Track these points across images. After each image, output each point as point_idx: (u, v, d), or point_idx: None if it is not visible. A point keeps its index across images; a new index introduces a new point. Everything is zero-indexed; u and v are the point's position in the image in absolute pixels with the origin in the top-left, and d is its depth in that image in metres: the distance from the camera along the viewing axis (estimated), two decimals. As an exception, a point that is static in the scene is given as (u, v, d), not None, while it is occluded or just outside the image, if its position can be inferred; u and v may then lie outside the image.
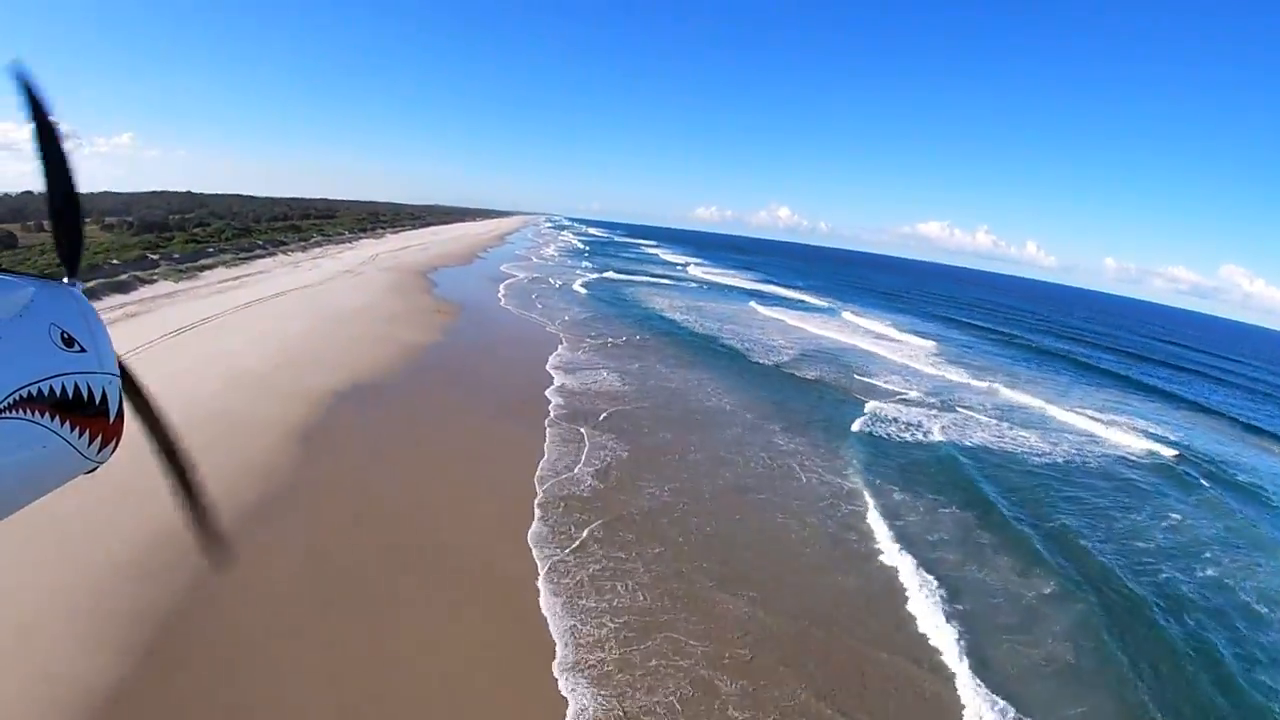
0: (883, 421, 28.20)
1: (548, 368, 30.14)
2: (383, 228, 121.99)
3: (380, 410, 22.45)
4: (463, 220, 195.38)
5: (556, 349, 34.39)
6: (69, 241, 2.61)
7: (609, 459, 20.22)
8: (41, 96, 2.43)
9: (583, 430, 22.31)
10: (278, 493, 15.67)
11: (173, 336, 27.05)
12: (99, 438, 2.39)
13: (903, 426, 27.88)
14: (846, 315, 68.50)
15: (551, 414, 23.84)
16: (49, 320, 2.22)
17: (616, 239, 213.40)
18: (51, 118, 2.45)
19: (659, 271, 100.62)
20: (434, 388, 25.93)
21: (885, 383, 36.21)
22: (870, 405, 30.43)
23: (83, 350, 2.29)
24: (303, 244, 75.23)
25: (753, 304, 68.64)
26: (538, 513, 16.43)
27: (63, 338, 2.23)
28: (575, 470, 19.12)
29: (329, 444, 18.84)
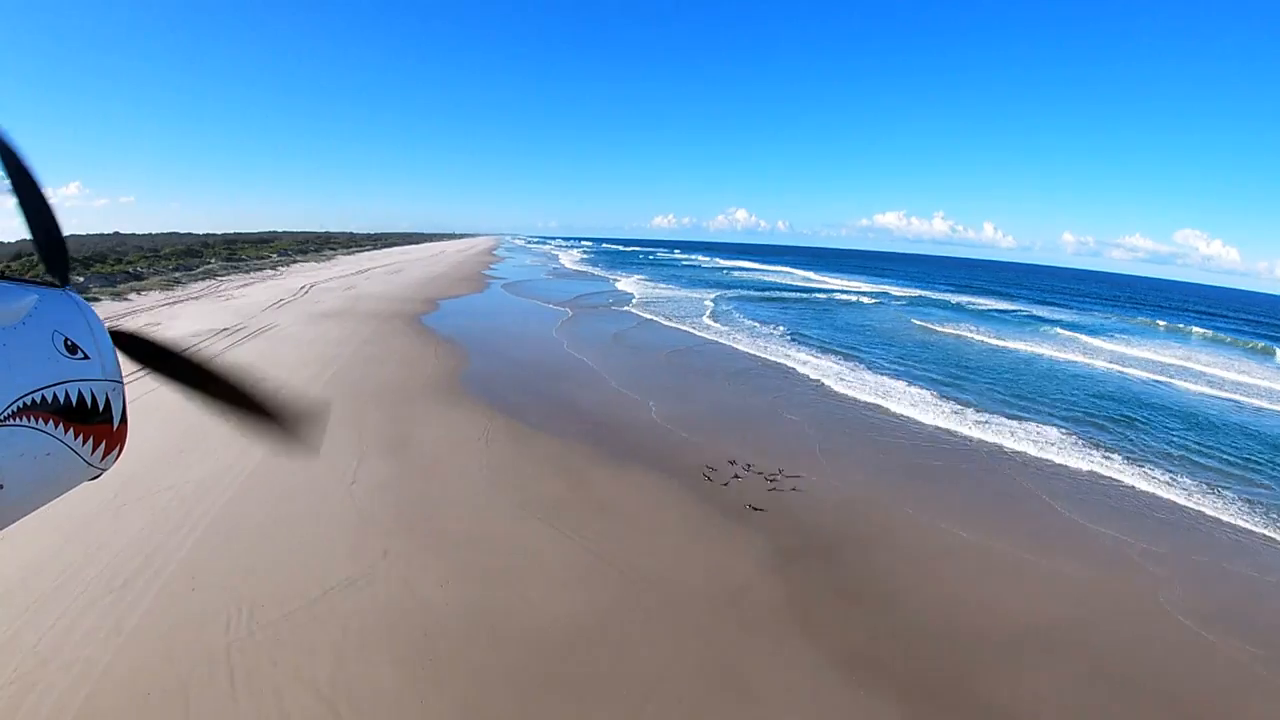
0: None
1: None
2: (333, 249, 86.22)
3: None
4: (424, 243, 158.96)
5: None
6: (52, 250, 2.35)
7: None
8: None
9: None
10: None
11: None
12: (103, 444, 2.21)
13: None
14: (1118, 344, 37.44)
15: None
16: (52, 327, 2.07)
17: (607, 248, 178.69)
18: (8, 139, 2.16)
19: (755, 280, 68.00)
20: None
21: None
22: None
23: (86, 357, 2.14)
24: (176, 278, 40.06)
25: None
26: None
27: (66, 344, 2.08)
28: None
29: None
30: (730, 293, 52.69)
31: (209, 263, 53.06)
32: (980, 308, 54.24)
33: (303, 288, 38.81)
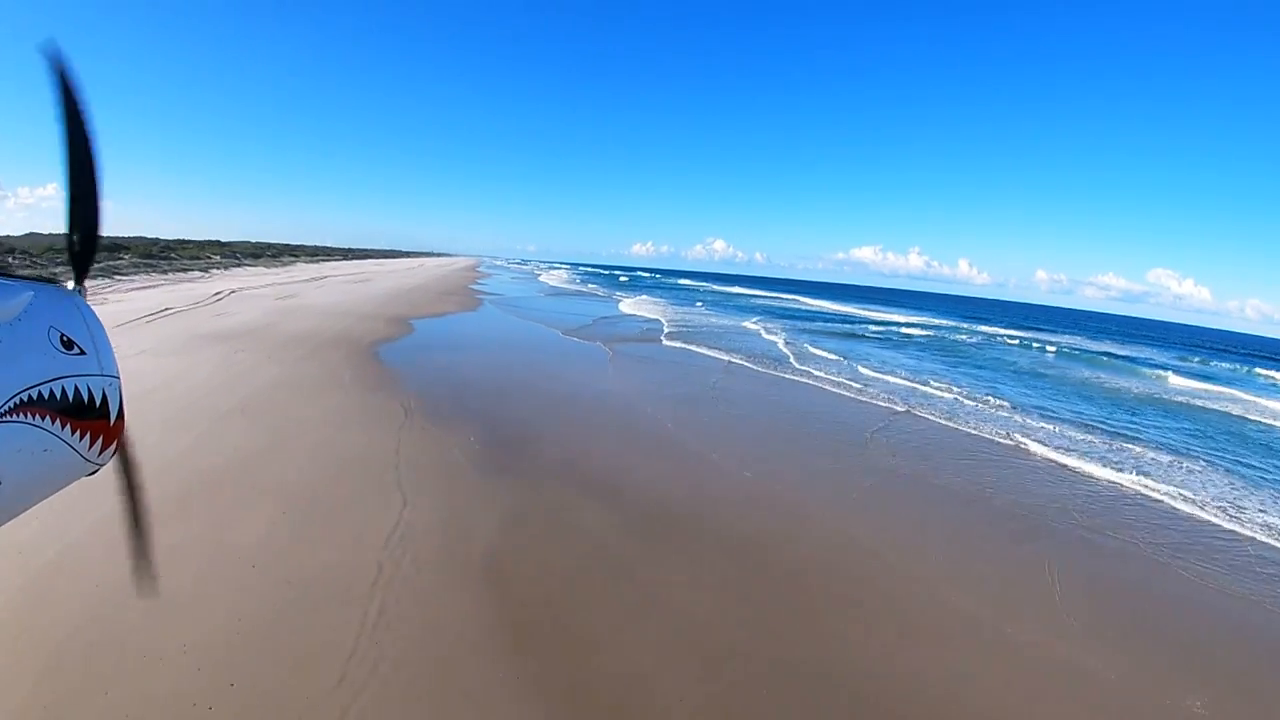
0: None
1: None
2: (294, 256, 73.67)
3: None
4: (398, 259, 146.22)
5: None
6: (84, 249, 2.24)
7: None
8: (75, 83, 2.02)
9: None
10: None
11: None
12: (99, 440, 2.13)
13: None
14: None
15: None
16: (48, 323, 1.98)
17: (591, 272, 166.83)
18: (84, 110, 2.04)
19: (786, 308, 57.03)
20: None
21: None
22: None
23: (82, 353, 2.06)
24: (55, 274, 27.53)
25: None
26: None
27: (62, 340, 2.00)
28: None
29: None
30: (778, 323, 41.78)
31: (120, 258, 40.54)
32: (1081, 348, 44.07)
33: (217, 293, 26.71)
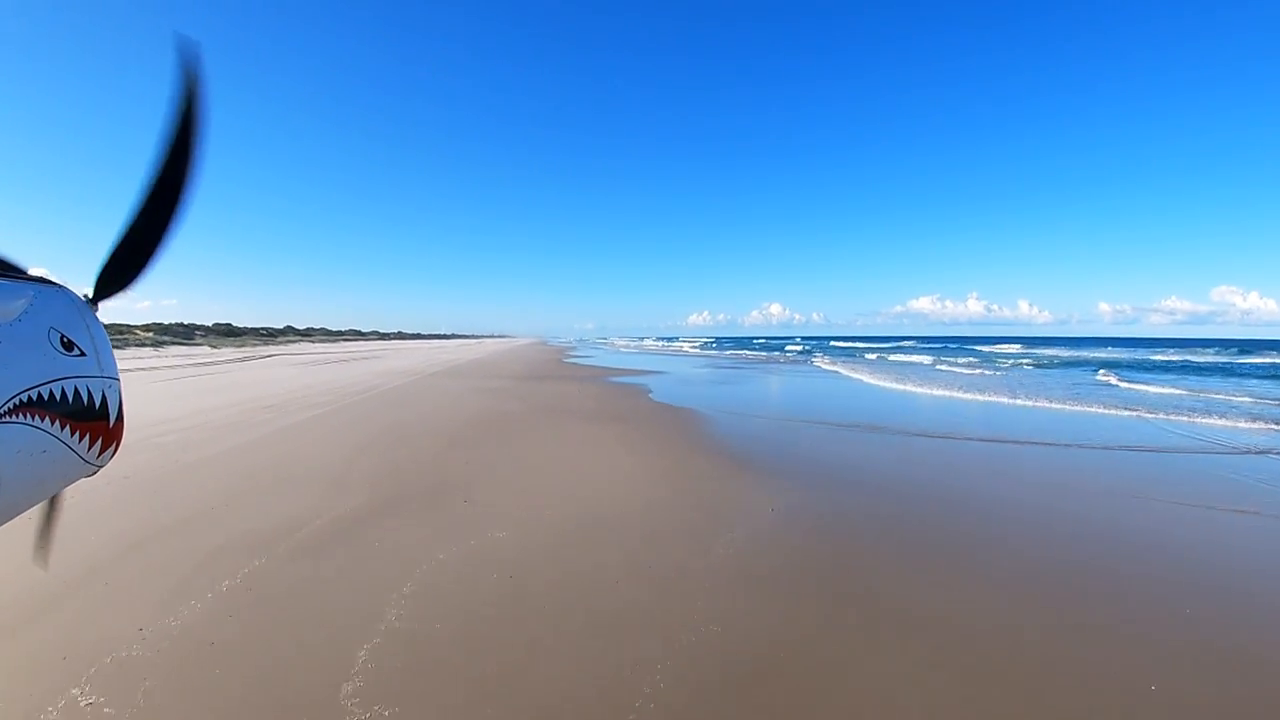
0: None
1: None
2: (291, 339, 56.83)
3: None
4: (449, 339, 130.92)
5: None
6: (125, 271, 2.00)
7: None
8: (200, 91, 1.82)
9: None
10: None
11: None
12: (99, 441, 1.97)
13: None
14: None
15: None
16: (48, 324, 1.84)
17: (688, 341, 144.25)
18: (201, 122, 1.86)
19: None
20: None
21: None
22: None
23: (82, 354, 1.92)
24: None
25: None
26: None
27: (62, 341, 1.86)
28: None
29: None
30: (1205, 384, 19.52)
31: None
32: None
33: None
